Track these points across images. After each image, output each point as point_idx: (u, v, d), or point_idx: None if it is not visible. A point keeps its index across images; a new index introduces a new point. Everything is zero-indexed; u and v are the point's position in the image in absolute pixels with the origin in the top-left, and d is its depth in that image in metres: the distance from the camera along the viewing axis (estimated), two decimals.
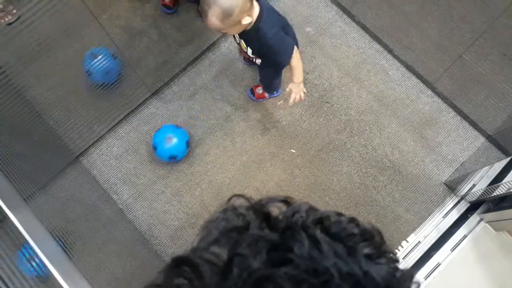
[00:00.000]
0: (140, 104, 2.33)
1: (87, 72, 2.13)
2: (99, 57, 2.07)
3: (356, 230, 0.37)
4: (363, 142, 2.35)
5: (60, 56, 2.29)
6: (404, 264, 2.08)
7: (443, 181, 2.28)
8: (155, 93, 2.36)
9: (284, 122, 2.38)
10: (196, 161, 2.29)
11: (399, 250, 2.17)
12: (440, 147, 2.34)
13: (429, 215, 2.23)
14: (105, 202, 2.10)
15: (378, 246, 0.37)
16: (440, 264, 2.07)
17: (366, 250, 0.36)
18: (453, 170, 2.30)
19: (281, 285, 0.31)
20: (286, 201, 0.39)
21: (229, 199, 0.40)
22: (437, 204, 2.25)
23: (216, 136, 2.34)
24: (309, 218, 0.37)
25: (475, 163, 2.28)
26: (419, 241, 2.16)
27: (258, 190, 2.27)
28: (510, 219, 1.89)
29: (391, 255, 0.38)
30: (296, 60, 1.70)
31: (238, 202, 0.39)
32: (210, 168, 2.29)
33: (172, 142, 2.13)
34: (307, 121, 2.37)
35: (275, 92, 2.35)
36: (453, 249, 2.09)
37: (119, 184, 2.23)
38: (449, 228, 2.16)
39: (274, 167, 2.30)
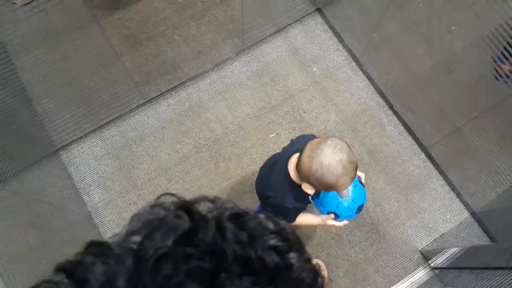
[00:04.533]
0: (132, 109, 2.31)
1: None
2: None
3: (271, 226, 0.41)
4: None
5: (65, 47, 2.27)
6: None
7: (419, 249, 2.22)
8: (150, 101, 2.34)
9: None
10: (175, 177, 2.25)
11: None
12: (423, 213, 2.29)
13: (399, 281, 2.16)
14: (74, 202, 2.05)
15: (287, 240, 0.40)
16: None
17: (273, 242, 0.39)
18: (432, 240, 2.24)
19: (175, 261, 0.35)
20: (213, 200, 0.43)
21: (159, 197, 0.42)
22: (409, 271, 2.18)
23: (201, 156, 2.30)
24: (226, 212, 0.40)
25: (455, 237, 2.23)
26: None
27: None
28: None
29: (303, 251, 0.42)
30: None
31: (169, 200, 0.41)
32: (188, 187, 2.24)
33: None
34: None
35: None
36: None
37: (93, 186, 2.18)
38: None
39: (253, 199, 2.25)
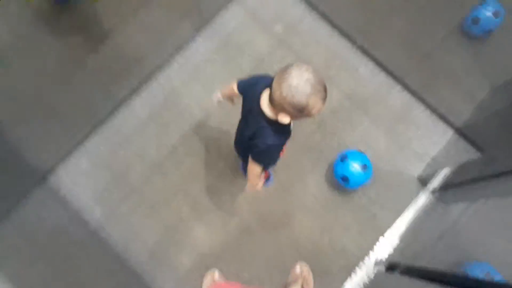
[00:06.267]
0: (108, 114, 2.22)
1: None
2: None
3: None
4: (337, 142, 2.35)
5: (21, 65, 2.12)
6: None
7: (415, 176, 2.33)
8: (123, 101, 2.26)
9: None
10: (170, 171, 2.23)
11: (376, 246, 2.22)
12: (411, 142, 2.38)
13: (404, 211, 2.28)
14: (76, 223, 2.01)
15: None
16: None
17: None
18: (425, 165, 2.35)
19: None
20: None
21: None
22: (411, 200, 2.30)
23: (190, 143, 2.27)
24: None
25: (446, 157, 2.34)
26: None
27: (233, 195, 2.24)
28: None
29: None
30: None
31: None
32: (186, 177, 2.23)
33: (346, 162, 2.14)
34: None
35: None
36: None
37: (91, 202, 2.13)
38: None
39: None
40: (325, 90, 1.27)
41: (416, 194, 2.30)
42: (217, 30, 2.42)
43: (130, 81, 2.26)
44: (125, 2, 2.36)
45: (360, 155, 2.17)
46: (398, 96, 2.44)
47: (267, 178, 2.23)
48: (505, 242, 2.06)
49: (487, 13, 2.36)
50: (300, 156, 2.31)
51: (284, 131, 1.46)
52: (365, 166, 2.14)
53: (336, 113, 2.38)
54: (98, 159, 2.18)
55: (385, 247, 2.20)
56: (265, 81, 1.39)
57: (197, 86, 2.34)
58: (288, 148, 2.29)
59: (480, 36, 2.44)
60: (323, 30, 2.49)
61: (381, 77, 2.46)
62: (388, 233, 2.23)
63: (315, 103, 1.25)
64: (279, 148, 1.52)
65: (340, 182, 2.19)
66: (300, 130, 2.32)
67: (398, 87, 2.46)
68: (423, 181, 2.30)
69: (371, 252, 2.19)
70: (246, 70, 2.38)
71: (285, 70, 1.24)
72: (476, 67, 2.42)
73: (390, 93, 2.44)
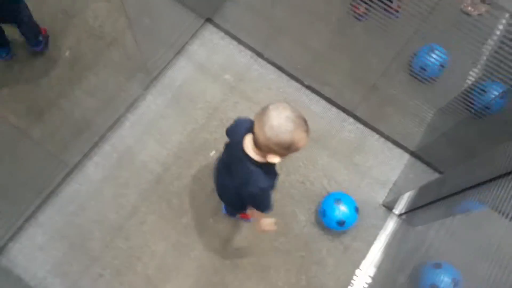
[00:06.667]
0: (60, 182, 2.13)
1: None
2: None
3: None
4: (301, 179, 2.36)
5: None
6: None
7: (381, 203, 2.35)
8: (75, 167, 2.18)
9: None
10: (132, 233, 2.13)
11: (354, 280, 2.17)
12: (371, 170, 2.43)
13: (376, 239, 2.27)
14: None
15: None
16: None
17: None
18: (388, 190, 2.39)
19: None
20: None
21: None
22: (381, 227, 2.30)
23: (150, 201, 2.20)
24: None
25: (406, 180, 2.39)
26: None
27: (201, 250, 2.15)
28: None
29: None
30: None
31: None
32: (149, 237, 2.13)
33: (340, 205, 2.15)
34: None
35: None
36: None
37: (49, 278, 1.98)
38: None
39: (219, 222, 2.21)
40: (305, 122, 1.29)
41: (384, 221, 2.31)
42: (167, 85, 2.44)
43: (80, 146, 2.20)
44: (70, 68, 2.35)
45: (349, 197, 2.21)
46: (351, 128, 2.52)
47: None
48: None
49: (434, 60, 2.41)
50: None
51: (272, 171, 1.46)
52: (356, 208, 2.18)
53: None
54: (53, 231, 2.06)
55: (362, 278, 2.16)
56: (245, 126, 1.40)
57: (152, 142, 2.31)
58: None
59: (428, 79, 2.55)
60: (271, 75, 2.57)
61: (333, 112, 2.54)
62: (363, 263, 2.19)
63: (300, 137, 1.27)
64: (272, 188, 1.50)
65: (332, 226, 2.17)
66: None
67: (350, 120, 2.54)
68: (389, 207, 2.33)
69: (349, 286, 2.14)
70: (201, 121, 2.39)
71: (263, 113, 1.25)
72: (419, 92, 2.55)
73: (343, 127, 2.52)
